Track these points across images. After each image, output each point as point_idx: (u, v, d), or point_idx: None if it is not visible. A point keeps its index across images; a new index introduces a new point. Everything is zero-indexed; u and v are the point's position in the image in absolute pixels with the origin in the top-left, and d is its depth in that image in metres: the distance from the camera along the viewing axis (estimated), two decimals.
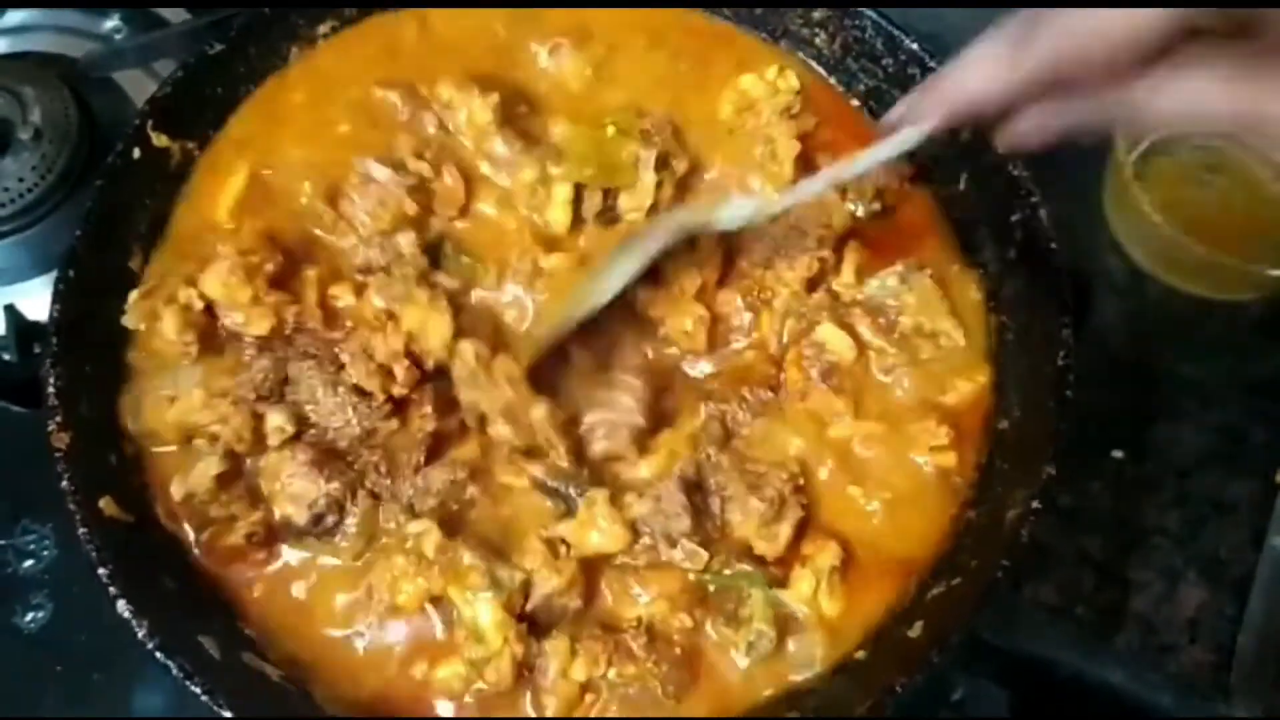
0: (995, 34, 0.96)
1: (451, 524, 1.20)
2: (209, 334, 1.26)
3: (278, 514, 1.21)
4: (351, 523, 1.20)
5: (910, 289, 1.32)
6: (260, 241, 1.29)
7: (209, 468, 1.21)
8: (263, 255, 1.27)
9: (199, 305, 1.25)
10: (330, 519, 1.20)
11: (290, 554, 1.22)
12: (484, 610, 1.14)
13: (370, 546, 1.21)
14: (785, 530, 1.20)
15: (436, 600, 1.17)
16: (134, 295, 1.26)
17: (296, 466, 1.20)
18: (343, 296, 1.29)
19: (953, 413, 1.29)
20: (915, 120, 1.06)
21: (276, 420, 1.22)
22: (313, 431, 1.24)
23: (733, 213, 1.25)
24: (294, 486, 1.20)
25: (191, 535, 1.21)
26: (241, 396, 1.23)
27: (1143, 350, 1.67)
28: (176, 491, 1.22)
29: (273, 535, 1.21)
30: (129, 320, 1.25)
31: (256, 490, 1.23)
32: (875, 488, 1.25)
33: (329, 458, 1.22)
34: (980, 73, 0.97)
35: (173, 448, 1.24)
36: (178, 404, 1.23)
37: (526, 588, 1.17)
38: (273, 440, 1.22)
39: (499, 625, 1.13)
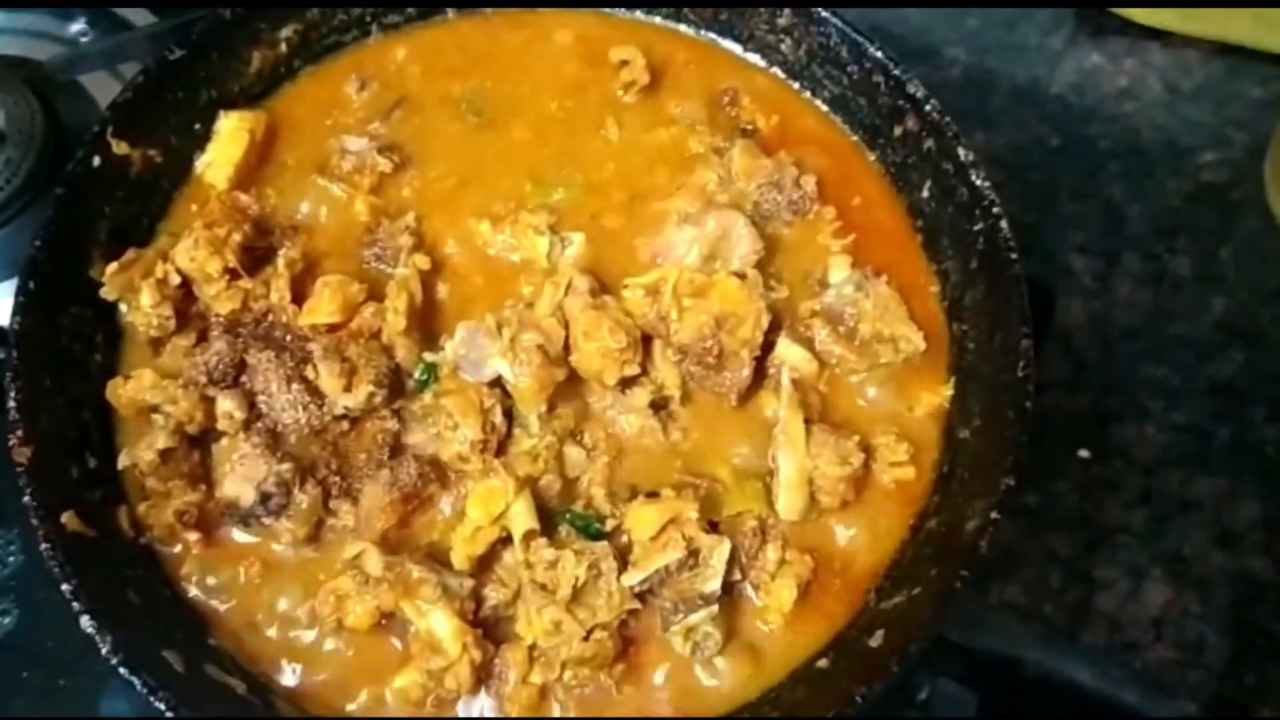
0: None
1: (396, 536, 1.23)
2: (183, 312, 1.28)
3: (225, 495, 1.22)
4: (298, 507, 1.21)
5: (867, 295, 1.32)
6: (227, 213, 1.30)
7: (155, 441, 1.22)
8: (229, 227, 1.28)
9: (175, 280, 1.27)
10: (277, 500, 1.20)
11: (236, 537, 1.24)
12: (438, 620, 1.15)
13: (314, 543, 1.23)
14: (773, 554, 1.21)
15: (388, 616, 1.18)
16: (112, 267, 1.27)
17: (249, 449, 1.21)
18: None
19: (915, 425, 1.30)
20: None
21: (226, 406, 1.23)
22: (262, 422, 1.25)
23: None
24: (244, 467, 1.21)
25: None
26: (192, 379, 1.24)
27: (1107, 350, 1.68)
28: (122, 460, 1.23)
29: (205, 519, 1.22)
30: (107, 292, 1.27)
31: (201, 474, 1.24)
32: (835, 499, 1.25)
33: (282, 444, 1.24)
34: None
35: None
36: (130, 382, 1.24)
37: (476, 594, 1.18)
38: (222, 424, 1.23)
39: (455, 633, 1.14)
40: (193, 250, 1.26)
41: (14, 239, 1.50)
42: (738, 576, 1.20)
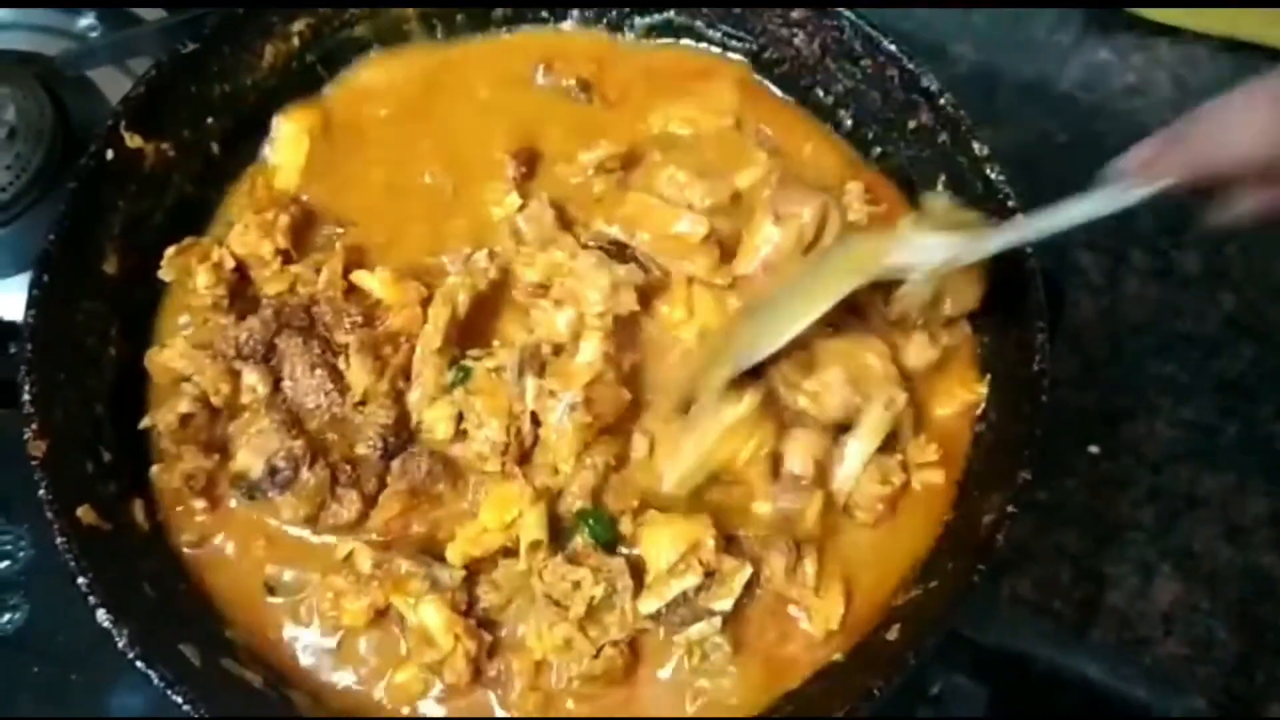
0: (1258, 89, 0.86)
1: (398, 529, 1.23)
2: (236, 293, 1.31)
3: (237, 466, 1.22)
4: (304, 485, 1.20)
5: None
6: (274, 198, 1.33)
7: (177, 405, 1.23)
8: (276, 210, 1.31)
9: (230, 263, 1.29)
10: (284, 475, 1.20)
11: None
12: (428, 612, 1.15)
13: (312, 524, 1.22)
14: (810, 568, 1.21)
15: (384, 611, 1.19)
16: (170, 251, 1.29)
17: (268, 424, 1.22)
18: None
19: (947, 425, 1.30)
20: (1155, 175, 0.95)
21: (250, 379, 1.24)
22: (285, 405, 1.25)
23: (929, 255, 1.19)
24: (258, 440, 1.22)
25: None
26: (221, 351, 1.26)
27: (1116, 347, 1.68)
28: (145, 422, 1.25)
29: (213, 486, 1.23)
30: (164, 274, 1.29)
31: (218, 446, 1.25)
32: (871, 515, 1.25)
33: (301, 426, 1.25)
34: (1247, 133, 0.86)
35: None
36: (166, 350, 1.26)
37: (469, 588, 1.19)
38: (245, 397, 1.25)
39: (446, 625, 1.15)
40: (243, 235, 1.29)
41: (24, 234, 1.49)
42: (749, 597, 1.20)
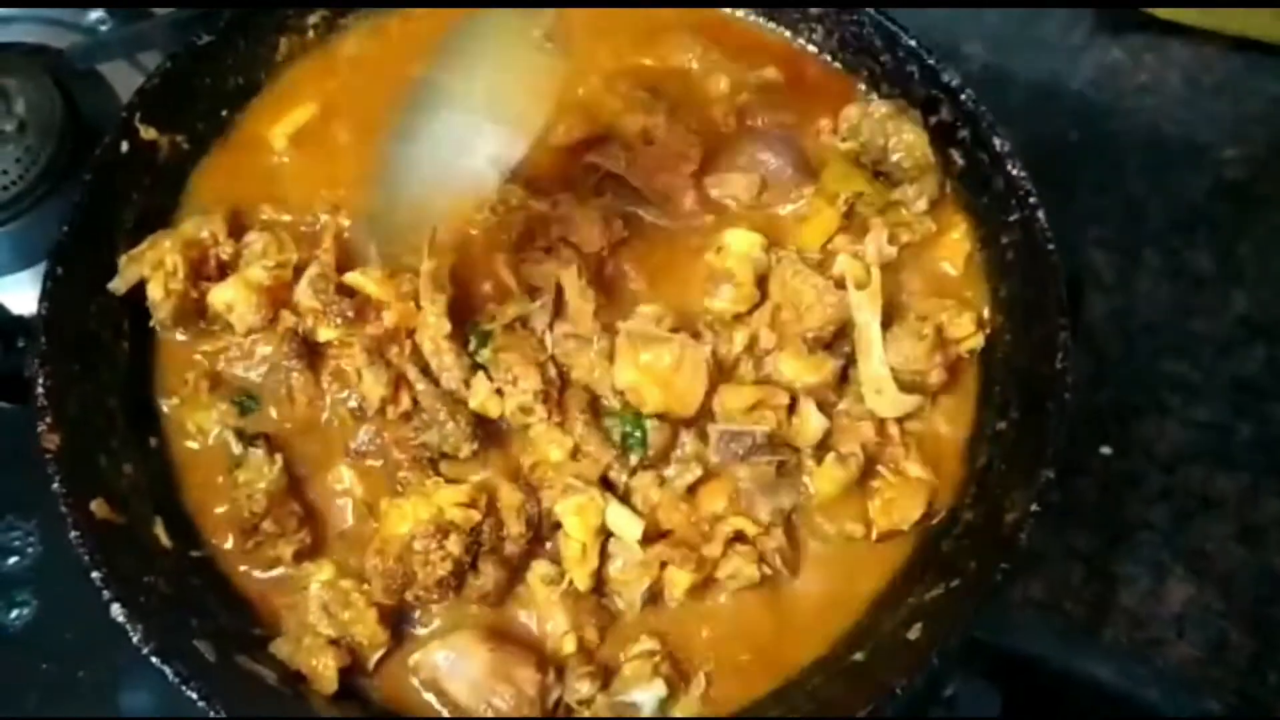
0: None
1: None
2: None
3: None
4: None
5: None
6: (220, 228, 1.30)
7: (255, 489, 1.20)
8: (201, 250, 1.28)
9: (182, 273, 1.25)
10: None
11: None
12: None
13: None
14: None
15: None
16: (123, 259, 1.26)
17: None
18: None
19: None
20: None
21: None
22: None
23: None
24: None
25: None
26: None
27: (1128, 347, 1.68)
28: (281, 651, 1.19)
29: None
30: (115, 285, 1.26)
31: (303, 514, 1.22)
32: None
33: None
34: None
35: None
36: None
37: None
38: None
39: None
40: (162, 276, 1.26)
41: (33, 229, 1.49)
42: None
